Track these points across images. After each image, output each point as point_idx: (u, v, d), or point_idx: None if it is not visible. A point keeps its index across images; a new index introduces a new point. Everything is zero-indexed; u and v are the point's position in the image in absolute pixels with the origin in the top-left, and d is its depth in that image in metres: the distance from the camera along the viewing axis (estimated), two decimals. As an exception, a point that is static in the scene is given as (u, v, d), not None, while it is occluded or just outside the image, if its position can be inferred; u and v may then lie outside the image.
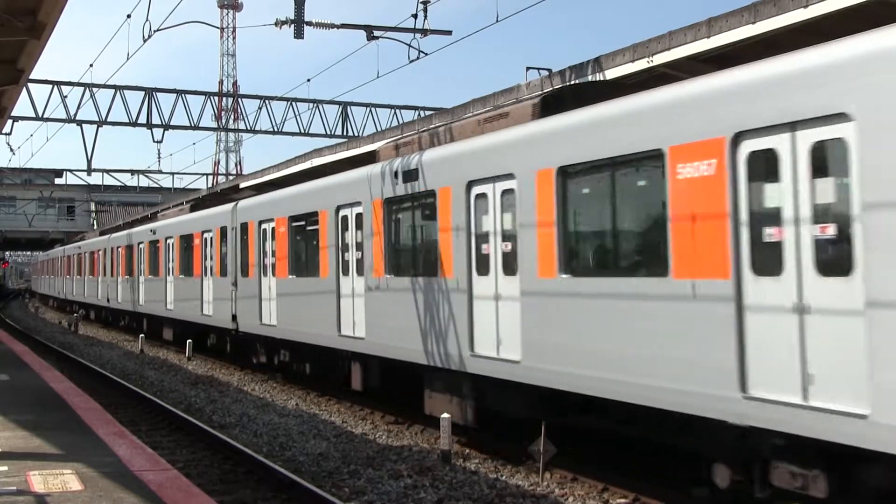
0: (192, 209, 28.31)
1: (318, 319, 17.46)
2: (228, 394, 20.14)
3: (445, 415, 12.68)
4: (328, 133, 35.74)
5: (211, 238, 24.84)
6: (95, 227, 71.33)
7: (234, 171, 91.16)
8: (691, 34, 12.05)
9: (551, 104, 11.93)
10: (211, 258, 24.91)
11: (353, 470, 12.26)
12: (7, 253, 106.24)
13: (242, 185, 32.26)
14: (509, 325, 11.85)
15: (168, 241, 29.59)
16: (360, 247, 15.90)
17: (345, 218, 16.51)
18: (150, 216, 42.77)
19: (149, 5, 18.62)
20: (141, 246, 33.60)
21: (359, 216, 15.91)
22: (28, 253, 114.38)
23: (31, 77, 21.56)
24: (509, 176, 11.80)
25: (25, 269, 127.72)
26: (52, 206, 69.81)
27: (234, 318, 22.63)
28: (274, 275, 20.07)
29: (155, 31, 18.97)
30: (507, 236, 11.97)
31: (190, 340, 28.29)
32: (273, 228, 20.12)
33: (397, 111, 37.18)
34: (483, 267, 12.48)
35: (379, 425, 15.88)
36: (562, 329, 10.83)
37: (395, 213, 14.95)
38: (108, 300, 40.55)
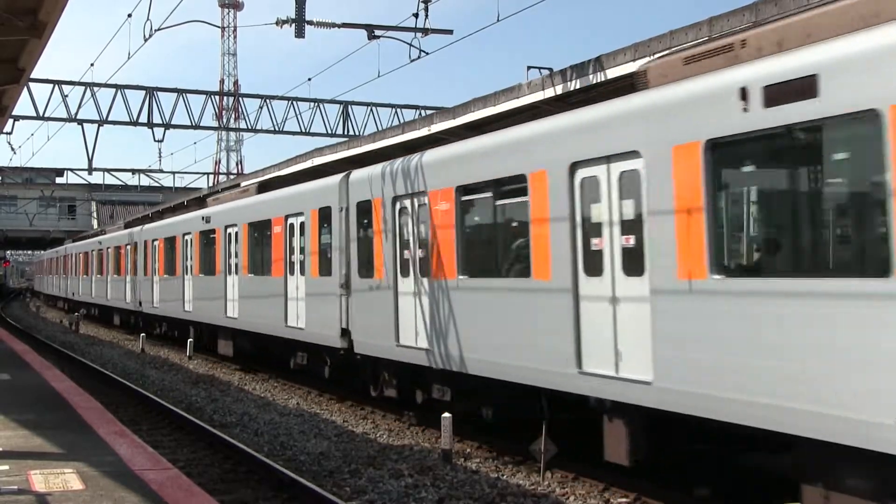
0: (261, 190, 22.60)
1: (527, 344, 11.42)
2: (229, 393, 20.14)
3: (447, 414, 12.66)
4: (329, 132, 35.81)
5: (302, 224, 18.62)
6: (96, 225, 71.27)
7: (234, 171, 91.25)
8: (692, 33, 12.04)
9: None
10: (301, 251, 18.74)
11: (354, 469, 12.26)
12: (8, 252, 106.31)
13: (244, 184, 32.22)
14: None
15: (229, 230, 23.33)
16: (631, 227, 9.83)
17: (590, 182, 10.42)
18: (186, 203, 37.90)
19: (150, 5, 18.66)
20: (188, 238, 27.53)
21: (627, 178, 9.85)
22: (29, 252, 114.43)
23: (32, 76, 21.57)
24: None
25: (26, 268, 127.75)
26: (53, 205, 69.84)
27: (345, 333, 16.63)
28: (426, 275, 13.94)
29: (156, 31, 19.01)
30: None
31: (191, 340, 28.13)
32: (424, 206, 13.99)
33: (398, 110, 37.24)
34: None
35: (380, 424, 15.87)
36: None
37: (748, 165, 9.01)
38: (139, 303, 34.09)
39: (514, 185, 11.89)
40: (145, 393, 19.17)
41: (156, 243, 31.83)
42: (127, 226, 40.78)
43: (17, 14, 13.61)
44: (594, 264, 10.38)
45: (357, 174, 16.47)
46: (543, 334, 11.14)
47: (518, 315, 11.68)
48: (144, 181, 46.84)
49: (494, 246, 12.86)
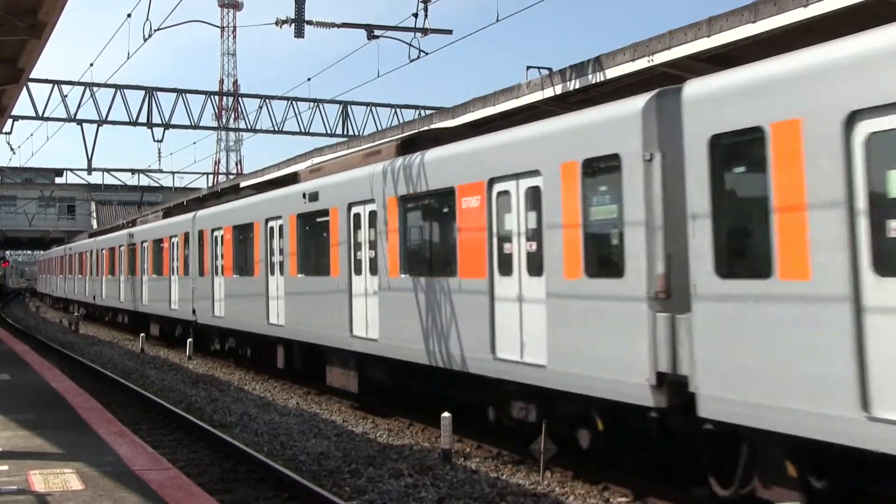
0: (405, 150, 15.47)
1: None
2: (229, 393, 20.14)
3: (445, 413, 12.67)
4: (329, 132, 35.81)
5: (531, 192, 11.60)
6: (96, 225, 71.25)
7: (234, 171, 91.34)
8: (692, 33, 12.06)
9: None
10: (528, 236, 11.74)
11: (354, 469, 12.27)
12: (7, 252, 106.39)
13: (243, 185, 32.21)
14: None
15: (356, 209, 16.37)
16: None
17: None
18: (268, 183, 29.71)
19: (149, 4, 18.67)
20: (274, 224, 20.42)
21: None
22: (28, 252, 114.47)
23: (32, 76, 21.57)
24: None
25: (26, 268, 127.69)
26: (53, 205, 69.95)
27: (664, 380, 9.48)
28: None
29: (155, 31, 19.02)
30: None
31: (190, 340, 28.08)
32: None
33: (398, 110, 37.25)
34: None
35: (380, 424, 15.87)
36: None
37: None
38: (193, 311, 26.85)
39: None
40: (145, 393, 19.18)
41: (218, 234, 24.55)
42: (167, 213, 33.08)
43: (16, 14, 13.62)
44: None
45: (707, 84, 8.89)
46: None
47: None
48: (144, 181, 46.88)
49: None
